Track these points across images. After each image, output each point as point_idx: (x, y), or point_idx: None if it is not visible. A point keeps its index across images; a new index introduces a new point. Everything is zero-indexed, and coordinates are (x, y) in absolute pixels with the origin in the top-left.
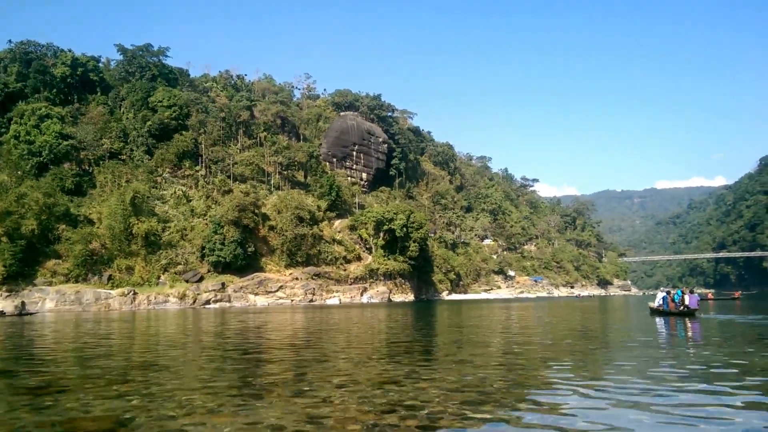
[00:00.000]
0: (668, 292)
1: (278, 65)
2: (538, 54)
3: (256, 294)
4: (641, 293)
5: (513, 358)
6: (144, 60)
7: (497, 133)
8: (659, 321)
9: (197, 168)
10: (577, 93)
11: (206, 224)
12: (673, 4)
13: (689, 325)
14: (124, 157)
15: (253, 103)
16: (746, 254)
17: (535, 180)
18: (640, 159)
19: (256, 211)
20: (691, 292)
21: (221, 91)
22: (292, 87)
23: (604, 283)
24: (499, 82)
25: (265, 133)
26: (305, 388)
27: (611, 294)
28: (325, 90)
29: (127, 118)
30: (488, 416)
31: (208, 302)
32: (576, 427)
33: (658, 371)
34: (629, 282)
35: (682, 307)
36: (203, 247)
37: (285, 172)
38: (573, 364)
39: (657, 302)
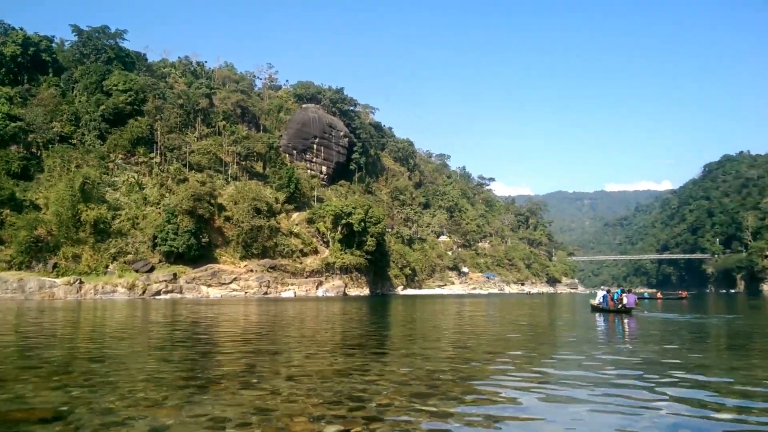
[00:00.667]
0: (608, 291)
1: (240, 54)
2: (499, 54)
3: (210, 285)
4: (588, 291)
5: (462, 351)
6: (100, 42)
7: (457, 132)
8: (599, 318)
9: (152, 155)
10: (534, 94)
11: (159, 213)
12: (641, 8)
13: (626, 321)
14: (74, 141)
15: (212, 91)
16: (687, 256)
17: (492, 179)
18: (592, 162)
19: (212, 201)
20: (629, 291)
21: (180, 77)
22: (254, 76)
23: (553, 281)
24: (460, 81)
25: (224, 122)
26: (253, 381)
27: (559, 292)
28: (287, 81)
29: (80, 101)
30: (433, 408)
31: (158, 293)
32: (518, 419)
33: (595, 365)
34: (577, 280)
35: (620, 305)
36: (155, 237)
37: (243, 163)
38: (518, 358)
39: (597, 300)
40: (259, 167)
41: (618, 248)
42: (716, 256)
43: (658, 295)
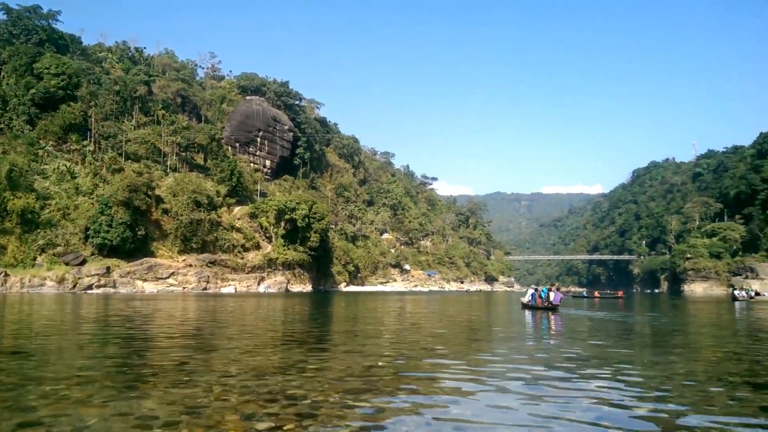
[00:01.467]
0: (536, 289)
1: (181, 42)
2: (444, 54)
3: (145, 280)
4: (523, 290)
5: (401, 347)
6: (31, 23)
7: (402, 130)
8: (528, 314)
9: (85, 143)
10: (477, 96)
11: (92, 204)
12: (582, 9)
13: (552, 318)
14: (1, 126)
15: (151, 78)
16: (616, 257)
17: (434, 178)
18: (530, 164)
19: (150, 192)
20: (557, 290)
21: (117, 62)
22: (196, 65)
23: (490, 280)
24: (406, 80)
25: (163, 111)
26: (185, 378)
27: (496, 290)
28: (230, 72)
29: (8, 84)
30: (367, 404)
31: (90, 287)
32: (449, 413)
33: (523, 359)
34: (513, 279)
35: (547, 303)
36: (87, 229)
37: (183, 154)
38: (452, 354)
39: (527, 298)
40: (199, 159)
41: (552, 248)
42: (642, 257)
43: (596, 294)
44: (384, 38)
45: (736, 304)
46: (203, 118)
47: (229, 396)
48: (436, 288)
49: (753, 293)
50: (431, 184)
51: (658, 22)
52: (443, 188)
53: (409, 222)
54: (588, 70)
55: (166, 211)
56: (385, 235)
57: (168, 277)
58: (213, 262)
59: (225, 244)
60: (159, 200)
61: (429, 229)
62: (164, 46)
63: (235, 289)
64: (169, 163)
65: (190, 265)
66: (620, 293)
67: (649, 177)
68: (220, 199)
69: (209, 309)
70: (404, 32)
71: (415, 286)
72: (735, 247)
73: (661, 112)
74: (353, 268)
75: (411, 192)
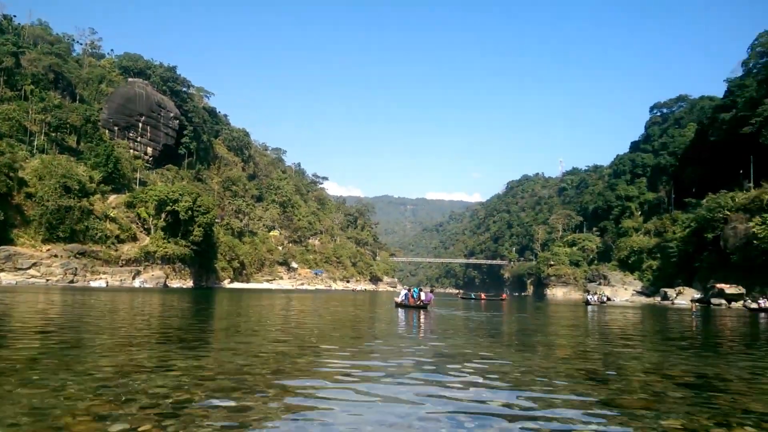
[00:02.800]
0: (409, 289)
1: (57, 14)
2: (340, 55)
3: (2, 270)
4: (406, 290)
5: (279, 345)
6: None
7: (295, 128)
8: (401, 312)
9: None
10: (372, 100)
11: None
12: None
13: (422, 316)
14: None
15: (20, 49)
16: (489, 262)
17: (325, 178)
18: (417, 170)
19: (11, 174)
20: (431, 291)
21: None
22: (73, 40)
23: (375, 280)
24: (302, 77)
25: (32, 87)
26: (35, 377)
27: (380, 290)
28: (112, 50)
29: None
30: (233, 403)
31: None
32: (315, 410)
33: (393, 356)
34: (396, 279)
35: (419, 302)
36: None
37: (53, 134)
38: (327, 351)
39: (400, 298)
40: (72, 141)
41: (434, 251)
42: (512, 263)
43: (482, 296)
44: (281, 33)
45: (588, 308)
46: (78, 98)
47: (82, 396)
48: (322, 287)
49: (605, 298)
50: (322, 183)
51: (539, 47)
52: (334, 188)
53: (299, 220)
54: (470, 84)
55: (30, 196)
56: (273, 232)
57: (29, 268)
58: (82, 253)
59: (97, 234)
60: (22, 183)
61: (318, 228)
62: (37, 16)
63: (107, 282)
64: (36, 143)
65: (56, 256)
66: (504, 296)
67: (521, 189)
68: (94, 185)
69: (75, 303)
70: (301, 28)
71: (302, 284)
72: (591, 257)
73: (535, 130)
74: (238, 265)
75: (301, 190)
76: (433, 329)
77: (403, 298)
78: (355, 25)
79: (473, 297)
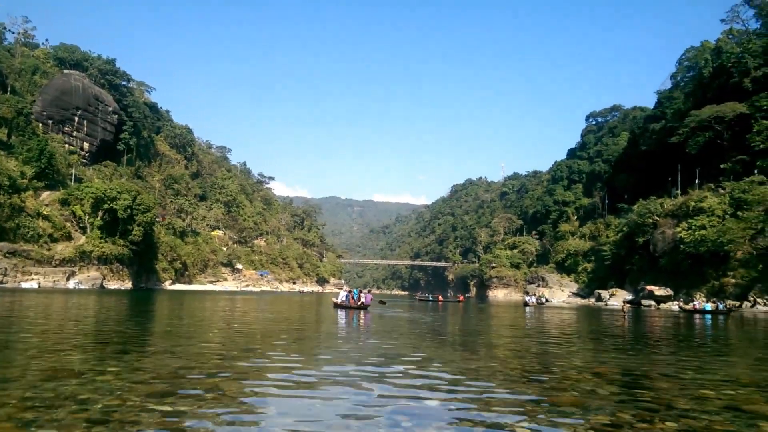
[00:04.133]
0: (350, 291)
1: None
2: (290, 50)
3: None
4: (346, 291)
5: (218, 348)
6: None
7: (240, 126)
8: (341, 313)
9: None
10: (319, 99)
11: None
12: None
13: (362, 316)
14: None
15: None
16: (434, 264)
17: (272, 178)
18: (364, 172)
19: None
20: (369, 292)
21: None
22: (4, 29)
23: (322, 281)
24: (248, 73)
25: None
26: None
27: (327, 291)
28: (47, 41)
29: None
30: (168, 408)
31: None
32: (252, 416)
33: (336, 358)
34: (343, 281)
35: (360, 303)
36: None
37: None
38: (268, 354)
39: (340, 299)
40: (2, 134)
41: (380, 253)
42: (456, 265)
43: (440, 298)
44: (226, 28)
45: (526, 309)
46: (9, 89)
47: (6, 402)
48: (268, 288)
49: (543, 300)
50: (268, 183)
51: (483, 52)
52: (280, 189)
53: (244, 220)
54: (416, 88)
55: None
56: (218, 233)
57: None
58: (12, 253)
59: (28, 232)
60: None
61: (264, 229)
62: None
63: (39, 284)
64: None
65: None
66: (461, 298)
67: (465, 193)
68: (26, 181)
69: (2, 306)
70: (247, 23)
71: (247, 285)
72: (531, 259)
73: (478, 134)
74: (180, 266)
75: (247, 189)
76: (373, 328)
77: (343, 298)
78: (301, 20)
79: (431, 299)
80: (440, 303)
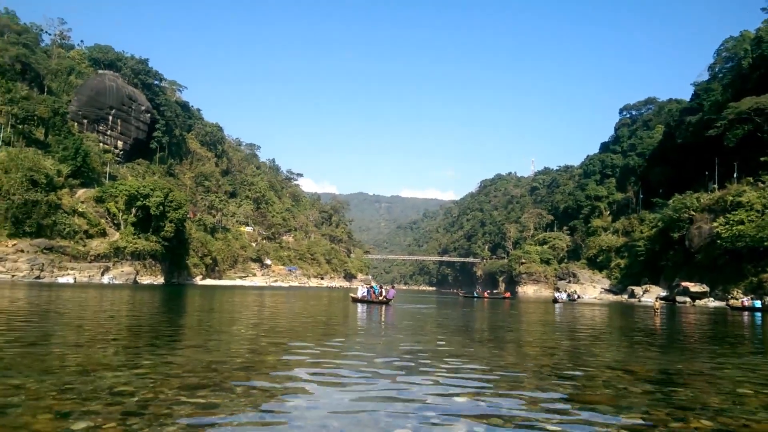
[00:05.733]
0: (370, 287)
1: (25, 3)
2: (315, 51)
3: None
4: (367, 287)
5: (248, 343)
6: None
7: (270, 123)
8: (361, 307)
9: None
10: (348, 96)
11: None
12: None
13: (384, 310)
14: None
15: None
16: (462, 260)
17: (300, 174)
18: (392, 168)
19: None
20: (392, 287)
21: None
22: (41, 30)
23: (349, 277)
24: (277, 72)
25: None
26: None
27: (354, 286)
28: (82, 42)
29: None
30: (202, 400)
31: None
32: (284, 408)
33: (363, 354)
34: (370, 277)
35: (382, 297)
36: None
37: (20, 127)
38: (298, 348)
39: (360, 294)
40: (40, 134)
41: (407, 249)
42: (484, 260)
43: (485, 294)
44: (256, 28)
45: (556, 305)
46: (46, 89)
47: (45, 394)
48: (296, 284)
49: (575, 296)
50: (297, 180)
51: (513, 48)
52: (309, 185)
53: (273, 216)
54: (445, 83)
55: None
56: (247, 229)
57: None
58: (49, 249)
59: (65, 229)
60: None
61: (292, 225)
62: (4, 5)
63: (75, 279)
64: (2, 135)
65: (22, 251)
66: (507, 294)
67: (494, 188)
68: (62, 179)
69: (42, 299)
70: (277, 23)
71: (276, 281)
72: (561, 255)
73: (508, 129)
74: (211, 261)
75: (276, 186)
76: (396, 324)
77: (365, 293)
78: (331, 20)
79: (476, 296)
80: (486, 299)
